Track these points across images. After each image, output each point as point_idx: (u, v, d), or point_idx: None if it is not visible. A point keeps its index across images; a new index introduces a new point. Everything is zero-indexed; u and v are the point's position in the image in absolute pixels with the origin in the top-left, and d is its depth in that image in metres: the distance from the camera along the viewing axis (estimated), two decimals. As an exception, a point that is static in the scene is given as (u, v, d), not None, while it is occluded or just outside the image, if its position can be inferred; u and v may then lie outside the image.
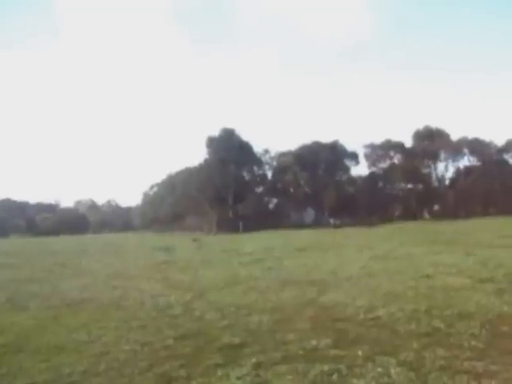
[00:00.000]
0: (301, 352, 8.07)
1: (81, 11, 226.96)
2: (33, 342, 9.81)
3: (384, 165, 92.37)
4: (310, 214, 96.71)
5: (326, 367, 7.04)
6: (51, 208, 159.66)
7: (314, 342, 8.54)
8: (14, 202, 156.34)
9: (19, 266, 27.62)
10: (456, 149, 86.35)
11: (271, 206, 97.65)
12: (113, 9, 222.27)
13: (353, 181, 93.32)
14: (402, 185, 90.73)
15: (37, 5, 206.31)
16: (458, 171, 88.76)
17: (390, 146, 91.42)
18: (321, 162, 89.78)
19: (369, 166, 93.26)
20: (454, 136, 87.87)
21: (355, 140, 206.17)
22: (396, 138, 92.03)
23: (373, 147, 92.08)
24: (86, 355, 8.61)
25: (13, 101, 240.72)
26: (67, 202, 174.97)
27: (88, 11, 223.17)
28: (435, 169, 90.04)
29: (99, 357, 8.47)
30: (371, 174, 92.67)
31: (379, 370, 6.89)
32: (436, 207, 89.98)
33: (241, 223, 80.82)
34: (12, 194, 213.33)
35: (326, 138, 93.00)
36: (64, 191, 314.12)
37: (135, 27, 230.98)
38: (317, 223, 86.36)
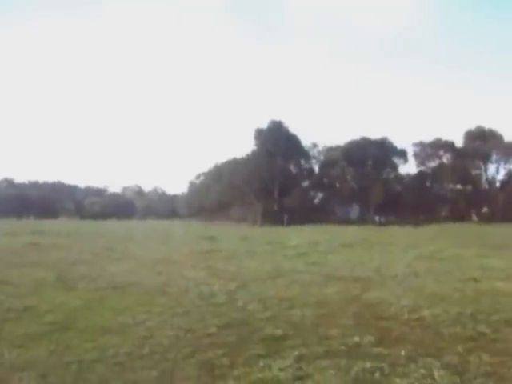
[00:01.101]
0: (343, 348, 8.03)
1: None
2: (80, 321, 10.04)
3: (433, 164, 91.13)
4: (355, 210, 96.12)
5: (368, 364, 6.99)
6: (99, 192, 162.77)
7: (356, 339, 8.49)
8: (64, 185, 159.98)
9: (68, 247, 28.33)
10: (508, 151, 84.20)
11: (316, 200, 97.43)
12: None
13: (400, 179, 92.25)
14: (451, 185, 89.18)
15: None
16: (509, 173, 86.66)
17: (440, 145, 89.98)
18: (369, 158, 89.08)
19: (417, 165, 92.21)
20: (507, 137, 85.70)
21: (404, 137, 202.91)
22: (446, 137, 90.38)
23: (422, 145, 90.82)
24: (131, 338, 8.76)
25: (64, 84, 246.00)
26: (115, 187, 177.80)
27: None
28: (486, 170, 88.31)
29: (143, 340, 8.61)
30: (419, 173, 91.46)
31: (422, 371, 6.79)
32: (485, 209, 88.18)
33: (285, 216, 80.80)
34: (63, 177, 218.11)
35: (374, 134, 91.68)
36: (112, 177, 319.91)
37: (188, 17, 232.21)
38: (362, 220, 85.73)
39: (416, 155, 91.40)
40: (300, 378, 6.51)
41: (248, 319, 10.22)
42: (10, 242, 31.47)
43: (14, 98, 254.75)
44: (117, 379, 6.68)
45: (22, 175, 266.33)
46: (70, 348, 8.16)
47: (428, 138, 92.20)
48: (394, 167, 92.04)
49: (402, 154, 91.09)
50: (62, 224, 78.41)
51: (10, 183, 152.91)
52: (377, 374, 6.67)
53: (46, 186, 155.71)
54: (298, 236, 40.96)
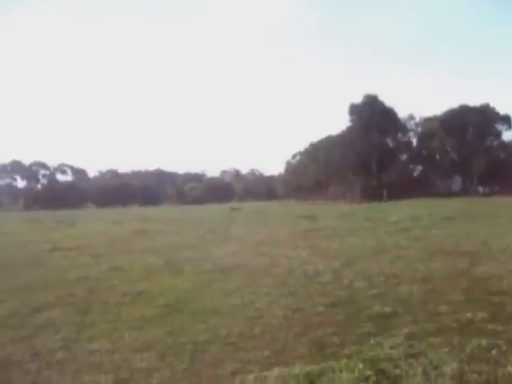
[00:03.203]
0: (455, 325, 7.86)
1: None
2: (191, 303, 10.39)
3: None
4: (457, 182, 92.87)
5: (483, 342, 6.77)
6: (198, 178, 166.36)
7: (468, 315, 8.28)
8: (165, 173, 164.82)
9: (173, 232, 29.21)
10: None
11: (416, 173, 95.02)
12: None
13: (505, 146, 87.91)
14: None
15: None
16: None
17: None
18: (469, 126, 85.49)
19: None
20: None
21: (508, 102, 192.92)
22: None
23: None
24: (241, 319, 8.97)
25: (151, 73, 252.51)
26: (213, 171, 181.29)
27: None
28: None
29: (253, 320, 8.80)
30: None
31: (543, 348, 6.54)
32: None
33: (385, 191, 79.35)
34: (162, 165, 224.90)
35: (475, 101, 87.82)
36: (210, 162, 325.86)
37: None
38: (464, 192, 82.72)
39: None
40: (413, 356, 6.39)
41: (355, 297, 10.21)
42: (118, 230, 32.88)
43: (111, 94, 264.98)
44: (231, 359, 6.87)
45: (125, 165, 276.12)
46: (183, 329, 8.48)
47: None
48: (497, 134, 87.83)
49: (506, 120, 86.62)
50: (165, 210, 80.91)
51: (114, 174, 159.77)
52: (494, 352, 6.45)
53: (147, 174, 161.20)
54: (399, 211, 40.18)
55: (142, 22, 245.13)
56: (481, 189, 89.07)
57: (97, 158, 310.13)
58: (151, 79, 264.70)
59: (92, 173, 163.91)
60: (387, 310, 8.95)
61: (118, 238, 26.38)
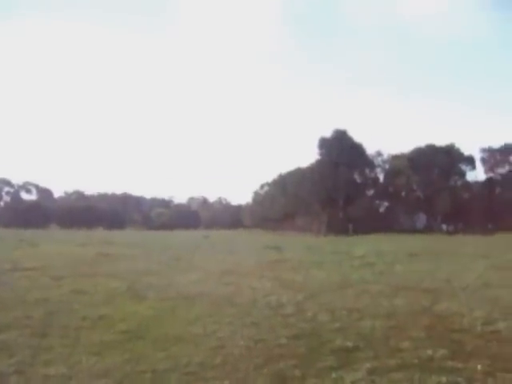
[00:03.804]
0: (416, 361, 7.88)
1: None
2: (152, 331, 10.24)
3: (502, 170, 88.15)
4: (421, 219, 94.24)
5: (443, 379, 6.83)
6: (165, 203, 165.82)
7: (429, 352, 8.32)
8: (131, 197, 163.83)
9: (137, 257, 28.93)
10: None
11: (382, 209, 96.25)
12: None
13: (468, 186, 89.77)
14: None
15: None
16: None
17: (510, 151, 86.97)
18: (435, 165, 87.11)
19: (486, 171, 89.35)
20: None
21: (472, 143, 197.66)
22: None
23: (491, 151, 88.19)
24: (202, 348, 8.86)
25: (127, 95, 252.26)
26: (180, 198, 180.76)
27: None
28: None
29: (215, 350, 8.69)
30: (488, 180, 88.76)
31: (502, 387, 6.60)
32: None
33: (350, 225, 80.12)
34: (129, 189, 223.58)
35: (440, 141, 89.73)
36: (177, 188, 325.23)
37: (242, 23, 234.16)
38: (428, 229, 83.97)
39: (484, 161, 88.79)
40: (374, 391, 6.42)
41: (318, 330, 10.18)
42: (81, 252, 32.46)
43: (79, 112, 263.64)
44: (190, 389, 6.77)
45: (92, 187, 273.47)
46: (143, 357, 8.34)
47: (496, 143, 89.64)
48: (462, 174, 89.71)
49: (470, 161, 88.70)
50: (130, 235, 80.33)
51: (80, 195, 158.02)
52: (453, 389, 6.51)
53: (114, 197, 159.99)
54: (364, 245, 40.52)
55: (118, 39, 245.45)
56: (444, 227, 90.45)
57: (63, 179, 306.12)
58: (121, 103, 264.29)
59: (57, 193, 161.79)
60: (349, 344, 8.94)
61: (81, 261, 26.01)
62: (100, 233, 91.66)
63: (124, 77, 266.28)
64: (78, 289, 15.69)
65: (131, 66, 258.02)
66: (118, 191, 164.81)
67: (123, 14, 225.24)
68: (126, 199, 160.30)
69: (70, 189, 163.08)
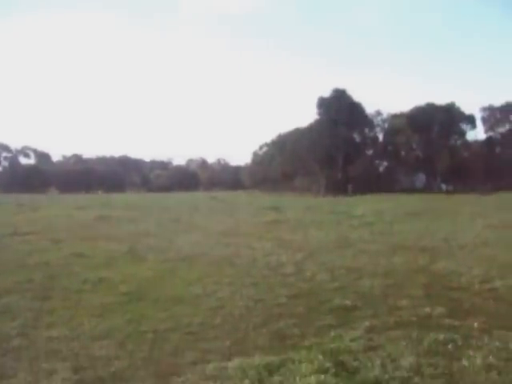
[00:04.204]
0: (414, 319, 7.99)
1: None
2: (153, 292, 10.34)
3: (503, 129, 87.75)
4: (420, 179, 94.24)
5: (440, 336, 6.90)
6: (164, 165, 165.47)
7: (427, 310, 8.42)
8: (130, 159, 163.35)
9: (137, 219, 29.04)
10: None
11: (381, 169, 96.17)
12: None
13: (468, 145, 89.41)
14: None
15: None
16: None
17: (511, 109, 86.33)
18: (435, 124, 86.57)
19: (486, 131, 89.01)
20: None
21: (472, 102, 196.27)
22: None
23: (491, 110, 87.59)
24: (203, 308, 8.97)
25: (125, 61, 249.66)
26: (179, 160, 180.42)
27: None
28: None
29: (215, 310, 8.79)
30: (488, 139, 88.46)
31: (497, 343, 6.65)
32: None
33: (350, 186, 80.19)
34: (128, 151, 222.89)
35: (441, 100, 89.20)
36: (176, 150, 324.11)
37: None
38: (428, 188, 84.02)
39: (485, 120, 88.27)
40: (372, 349, 6.50)
41: (317, 289, 10.29)
42: (81, 216, 32.51)
43: (77, 76, 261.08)
44: (191, 349, 6.85)
45: (90, 151, 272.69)
46: (144, 318, 8.43)
47: (497, 101, 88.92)
48: (462, 134, 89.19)
49: (470, 120, 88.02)
50: (130, 197, 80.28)
51: (78, 159, 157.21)
52: (450, 346, 6.59)
53: (112, 160, 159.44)
54: (363, 205, 40.58)
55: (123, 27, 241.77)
56: (444, 186, 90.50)
57: (61, 142, 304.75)
58: (120, 67, 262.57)
59: (56, 157, 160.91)
60: (348, 303, 9.04)
61: (80, 224, 26.14)
62: (100, 196, 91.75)
63: (121, 41, 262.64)
64: (78, 252, 15.76)
65: (128, 34, 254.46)
66: (117, 154, 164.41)
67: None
68: (124, 162, 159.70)
69: (69, 152, 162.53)
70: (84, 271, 12.68)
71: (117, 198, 73.54)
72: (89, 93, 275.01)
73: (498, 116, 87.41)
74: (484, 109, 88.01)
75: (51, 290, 10.64)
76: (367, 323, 7.70)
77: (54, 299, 9.82)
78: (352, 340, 6.89)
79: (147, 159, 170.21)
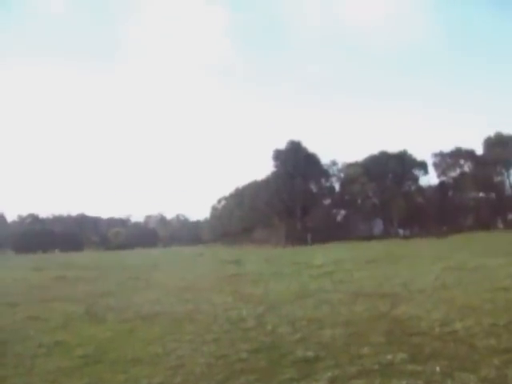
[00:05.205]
0: (376, 367, 7.94)
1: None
2: (111, 353, 10.07)
3: (454, 174, 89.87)
4: (378, 226, 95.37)
5: (403, 382, 6.90)
6: (122, 222, 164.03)
7: (389, 357, 8.39)
8: (88, 217, 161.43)
9: (95, 279, 28.47)
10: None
11: (339, 217, 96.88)
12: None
13: (422, 191, 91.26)
14: (474, 194, 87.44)
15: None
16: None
17: (460, 154, 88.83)
18: (389, 172, 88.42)
19: (438, 176, 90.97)
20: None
21: (424, 149, 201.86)
22: (466, 145, 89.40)
23: (442, 156, 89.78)
24: (162, 368, 8.77)
25: (84, 118, 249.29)
26: (138, 216, 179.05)
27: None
28: (508, 176, 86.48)
29: (175, 369, 8.60)
30: (441, 184, 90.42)
31: (459, 386, 6.68)
32: (510, 216, 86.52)
33: (309, 235, 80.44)
34: (85, 210, 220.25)
35: (393, 148, 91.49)
36: (134, 206, 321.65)
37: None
38: (386, 234, 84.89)
39: (436, 166, 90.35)
40: (335, 400, 6.42)
41: (278, 342, 10.17)
42: (37, 277, 31.68)
43: (35, 133, 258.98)
44: (151, 410, 6.66)
45: (46, 210, 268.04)
46: (102, 381, 8.20)
47: (447, 147, 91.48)
48: (415, 180, 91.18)
49: (422, 166, 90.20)
50: (87, 256, 78.96)
51: (34, 218, 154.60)
52: (413, 392, 6.56)
53: (69, 219, 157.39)
54: (323, 255, 40.67)
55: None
56: (401, 231, 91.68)
57: (16, 202, 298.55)
58: (75, 122, 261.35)
59: (11, 217, 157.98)
60: (310, 354, 8.95)
61: (37, 286, 25.45)
62: (57, 256, 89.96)
63: (76, 97, 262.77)
64: (33, 315, 15.31)
65: (86, 88, 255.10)
66: (74, 212, 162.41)
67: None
68: (81, 220, 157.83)
69: (24, 212, 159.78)
70: (39, 335, 12.30)
71: (74, 257, 72.27)
72: (42, 150, 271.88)
73: (449, 161, 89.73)
74: (435, 155, 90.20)
75: (4, 356, 10.27)
76: (330, 374, 7.63)
77: (6, 366, 9.46)
78: (315, 392, 6.80)
79: (105, 217, 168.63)
